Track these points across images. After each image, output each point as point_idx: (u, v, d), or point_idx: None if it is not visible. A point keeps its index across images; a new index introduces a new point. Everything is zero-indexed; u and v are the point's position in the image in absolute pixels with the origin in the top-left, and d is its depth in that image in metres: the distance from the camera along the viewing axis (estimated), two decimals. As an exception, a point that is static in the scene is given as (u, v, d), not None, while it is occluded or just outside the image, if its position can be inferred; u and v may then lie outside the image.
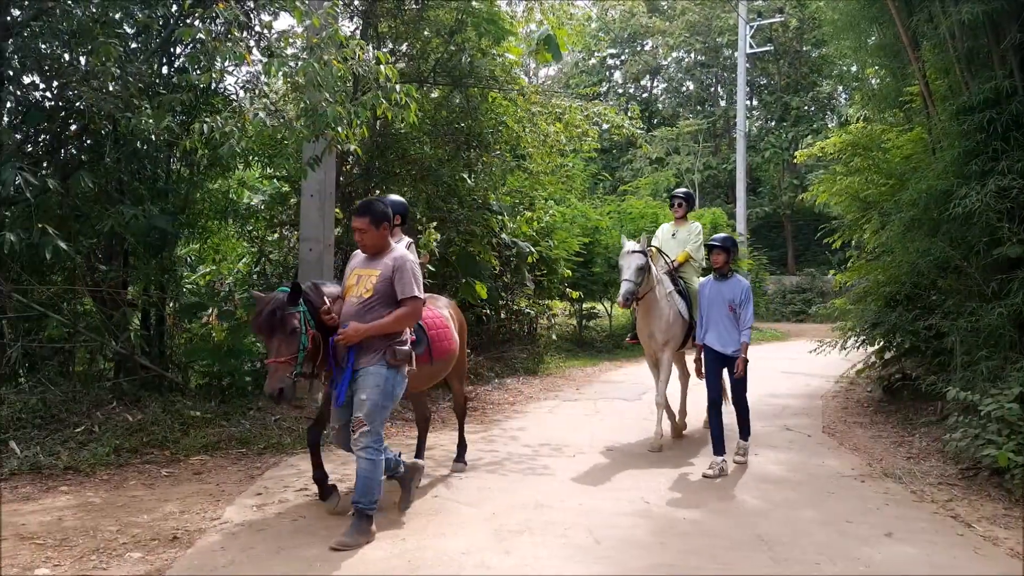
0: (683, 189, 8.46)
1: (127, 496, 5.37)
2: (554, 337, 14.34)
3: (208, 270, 10.21)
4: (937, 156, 7.92)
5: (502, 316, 12.88)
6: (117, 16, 7.15)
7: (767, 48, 29.12)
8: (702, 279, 7.01)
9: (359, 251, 4.90)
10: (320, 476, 5.15)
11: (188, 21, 7.31)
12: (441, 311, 5.81)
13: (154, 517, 4.92)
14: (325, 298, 4.68)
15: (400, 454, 5.28)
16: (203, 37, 6.46)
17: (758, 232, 30.65)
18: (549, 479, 6.11)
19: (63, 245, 6.37)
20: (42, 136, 7.55)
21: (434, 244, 8.84)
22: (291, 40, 7.17)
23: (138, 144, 7.43)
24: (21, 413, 6.41)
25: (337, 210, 8.90)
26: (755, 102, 35.20)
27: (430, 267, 9.51)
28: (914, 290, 8.34)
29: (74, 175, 6.86)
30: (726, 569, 4.25)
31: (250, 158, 9.40)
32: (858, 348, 9.61)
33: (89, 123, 7.19)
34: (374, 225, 4.66)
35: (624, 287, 6.90)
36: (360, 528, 4.51)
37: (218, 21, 7.23)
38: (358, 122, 6.62)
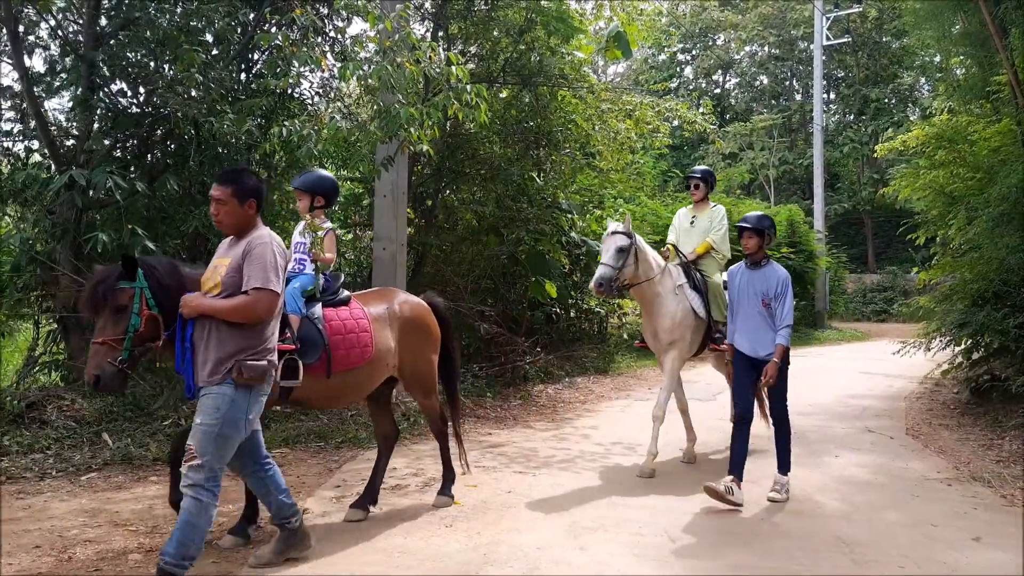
0: (701, 167, 7.28)
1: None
2: (625, 336, 14.23)
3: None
4: (1028, 147, 7.58)
5: (572, 315, 12.86)
6: (199, 25, 7.42)
7: (844, 40, 28.26)
8: (732, 267, 5.86)
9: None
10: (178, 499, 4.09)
11: (265, 28, 7.52)
12: (369, 310, 4.86)
13: (238, 507, 5.08)
14: (186, 281, 3.93)
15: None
16: (280, 43, 6.65)
17: (836, 229, 29.83)
18: (622, 477, 6.08)
19: (151, 245, 6.64)
20: (130, 141, 7.88)
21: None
22: (364, 44, 7.31)
23: (220, 148, 7.69)
24: (113, 407, 6.74)
25: (409, 210, 9.04)
26: (832, 95, 34.26)
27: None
28: (1003, 288, 8.01)
29: (160, 178, 7.14)
30: (805, 570, 4.16)
31: (325, 160, 9.63)
32: (944, 348, 9.27)
33: (174, 128, 7.48)
34: (237, 198, 3.82)
35: (598, 271, 6.04)
36: None
37: (294, 27, 7.44)
38: (430, 123, 6.71)
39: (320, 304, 4.67)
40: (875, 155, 17.74)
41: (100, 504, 5.11)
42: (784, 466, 5.54)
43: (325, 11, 8.17)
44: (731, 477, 5.29)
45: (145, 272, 3.81)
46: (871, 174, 30.10)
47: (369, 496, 5.04)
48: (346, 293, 4.89)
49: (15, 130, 7.58)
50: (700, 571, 4.15)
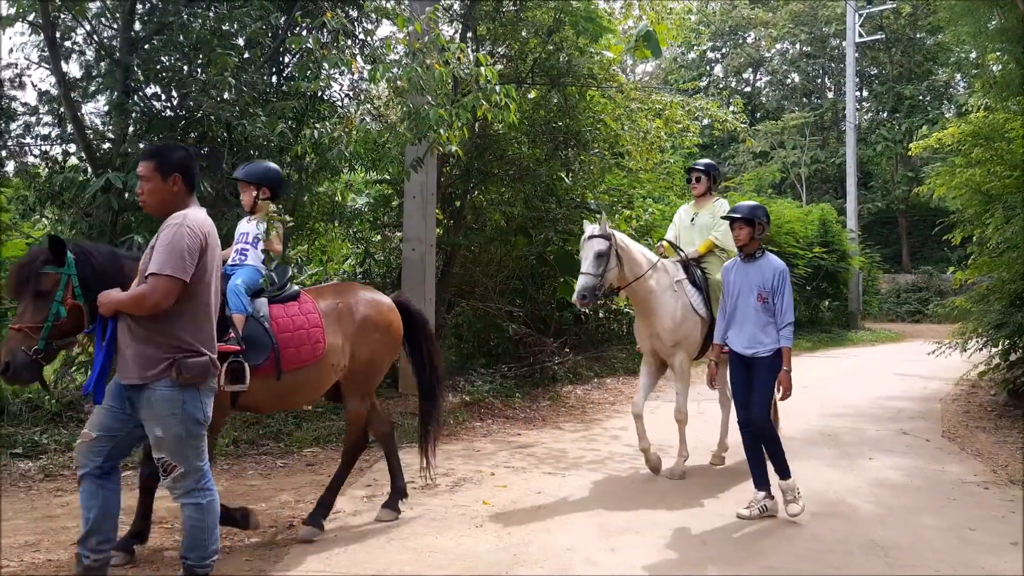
0: (704, 160, 6.83)
1: (246, 485, 5.63)
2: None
3: (315, 271, 10.58)
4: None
5: (600, 316, 12.81)
6: (232, 28, 7.51)
7: (878, 36, 27.86)
8: (727, 262, 5.49)
9: None
10: (140, 529, 4.20)
11: (295, 31, 7.60)
12: (322, 305, 4.57)
13: (271, 505, 5.15)
14: (128, 270, 3.63)
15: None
16: (311, 46, 6.71)
17: (870, 228, 29.42)
18: (652, 479, 6.05)
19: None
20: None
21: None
22: (393, 46, 7.36)
23: (252, 150, 7.77)
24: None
25: (438, 211, 9.07)
26: (865, 93, 33.79)
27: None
28: (1042, 288, 7.85)
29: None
30: (839, 573, 4.11)
31: (354, 162, 9.70)
32: (980, 350, 9.11)
33: (207, 131, 7.58)
34: (160, 174, 3.50)
35: (580, 281, 5.68)
36: None
37: (324, 30, 7.50)
38: (459, 124, 6.73)
39: (266, 300, 4.40)
40: (909, 153, 17.46)
41: (135, 501, 5.18)
42: (783, 471, 5.06)
43: (354, 14, 8.23)
44: (762, 494, 5.06)
45: (77, 258, 3.50)
46: (905, 172, 29.66)
47: (398, 495, 4.96)
48: (295, 288, 4.64)
49: (53, 134, 7.73)
50: (732, 573, 4.11)
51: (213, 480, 3.58)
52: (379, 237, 10.71)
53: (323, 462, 6.36)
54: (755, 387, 5.03)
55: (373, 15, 7.90)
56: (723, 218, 5.72)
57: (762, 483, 5.08)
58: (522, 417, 8.56)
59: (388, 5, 6.94)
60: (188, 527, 3.48)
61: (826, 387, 10.77)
